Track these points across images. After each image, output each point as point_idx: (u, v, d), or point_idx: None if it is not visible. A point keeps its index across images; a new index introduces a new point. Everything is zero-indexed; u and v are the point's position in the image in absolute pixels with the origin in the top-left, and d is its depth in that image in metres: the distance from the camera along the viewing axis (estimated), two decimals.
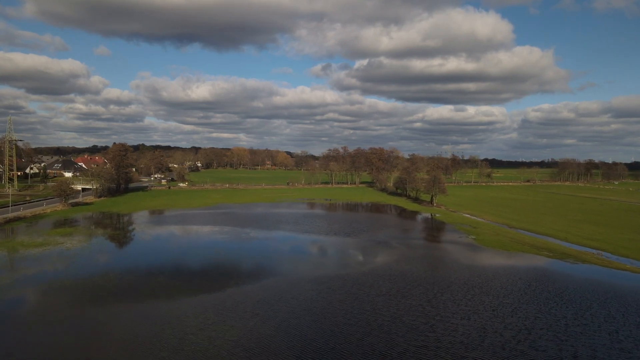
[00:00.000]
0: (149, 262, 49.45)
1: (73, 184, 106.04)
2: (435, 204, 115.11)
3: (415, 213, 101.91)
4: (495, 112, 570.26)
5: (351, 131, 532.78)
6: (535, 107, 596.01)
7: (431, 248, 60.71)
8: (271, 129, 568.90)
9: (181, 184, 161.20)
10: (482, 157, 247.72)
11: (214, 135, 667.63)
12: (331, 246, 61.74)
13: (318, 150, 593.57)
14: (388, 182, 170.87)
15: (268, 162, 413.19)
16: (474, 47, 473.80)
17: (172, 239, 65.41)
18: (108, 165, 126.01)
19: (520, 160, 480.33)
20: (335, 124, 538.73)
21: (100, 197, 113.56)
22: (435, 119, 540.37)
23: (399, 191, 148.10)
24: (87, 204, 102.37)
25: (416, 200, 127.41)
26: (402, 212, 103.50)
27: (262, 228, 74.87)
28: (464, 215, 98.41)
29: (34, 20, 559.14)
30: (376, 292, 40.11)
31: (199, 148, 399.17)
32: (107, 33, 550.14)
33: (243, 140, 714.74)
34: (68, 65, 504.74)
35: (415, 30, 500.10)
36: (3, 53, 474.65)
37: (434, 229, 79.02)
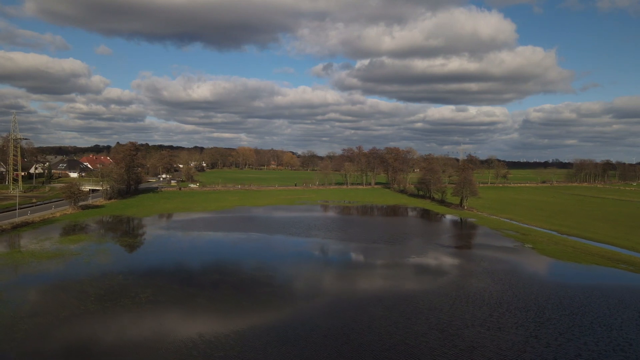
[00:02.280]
0: (181, 278, 42.73)
1: (82, 185, 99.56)
2: (466, 207, 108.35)
3: (450, 217, 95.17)
4: (496, 112, 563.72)
5: (352, 131, 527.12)
6: (537, 108, 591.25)
7: (492, 259, 53.94)
8: (272, 129, 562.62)
9: (192, 185, 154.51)
10: (483, 157, 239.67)
11: (215, 135, 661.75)
12: (378, 256, 54.96)
13: (319, 150, 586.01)
14: (407, 183, 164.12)
15: (273, 163, 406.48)
16: (477, 47, 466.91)
17: (200, 248, 58.70)
18: (118, 165, 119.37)
19: (522, 160, 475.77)
20: (337, 124, 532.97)
21: (110, 199, 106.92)
22: (436, 119, 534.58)
23: (420, 193, 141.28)
24: (97, 206, 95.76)
25: (442, 202, 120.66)
26: (434, 216, 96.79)
27: (292, 234, 68.21)
28: (503, 219, 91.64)
29: (35, 19, 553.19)
30: (461, 321, 33.40)
31: (202, 148, 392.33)
32: (108, 32, 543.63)
33: (244, 140, 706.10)
34: (69, 64, 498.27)
35: (418, 29, 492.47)
36: (4, 52, 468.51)
37: (480, 235, 72.23)
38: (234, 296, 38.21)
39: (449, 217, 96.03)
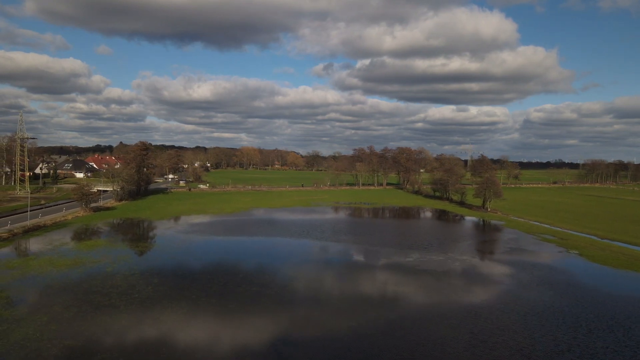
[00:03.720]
0: (217, 291, 38.87)
1: (94, 186, 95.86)
2: (489, 209, 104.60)
3: (477, 220, 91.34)
4: (497, 112, 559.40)
5: (352, 131, 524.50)
6: (538, 108, 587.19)
7: (543, 267, 50.12)
8: (273, 128, 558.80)
9: (201, 186, 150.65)
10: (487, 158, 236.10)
11: (216, 135, 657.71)
12: (420, 264, 50.96)
13: (320, 150, 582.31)
14: (421, 184, 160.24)
15: (277, 163, 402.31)
16: (478, 47, 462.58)
17: (228, 254, 54.89)
18: (128, 166, 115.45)
19: (524, 160, 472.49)
20: (337, 124, 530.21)
21: (121, 200, 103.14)
22: (437, 119, 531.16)
23: (437, 194, 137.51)
24: (109, 208, 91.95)
25: (462, 204, 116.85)
26: (461, 219, 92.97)
27: (320, 239, 64.41)
28: (532, 222, 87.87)
29: (35, 19, 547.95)
30: (543, 345, 29.61)
31: (204, 148, 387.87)
32: (108, 32, 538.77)
33: (244, 140, 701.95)
34: (69, 64, 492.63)
35: (419, 29, 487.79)
36: (4, 52, 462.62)
37: (517, 240, 68.30)
38: (279, 312, 34.44)
39: (475, 219, 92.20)
